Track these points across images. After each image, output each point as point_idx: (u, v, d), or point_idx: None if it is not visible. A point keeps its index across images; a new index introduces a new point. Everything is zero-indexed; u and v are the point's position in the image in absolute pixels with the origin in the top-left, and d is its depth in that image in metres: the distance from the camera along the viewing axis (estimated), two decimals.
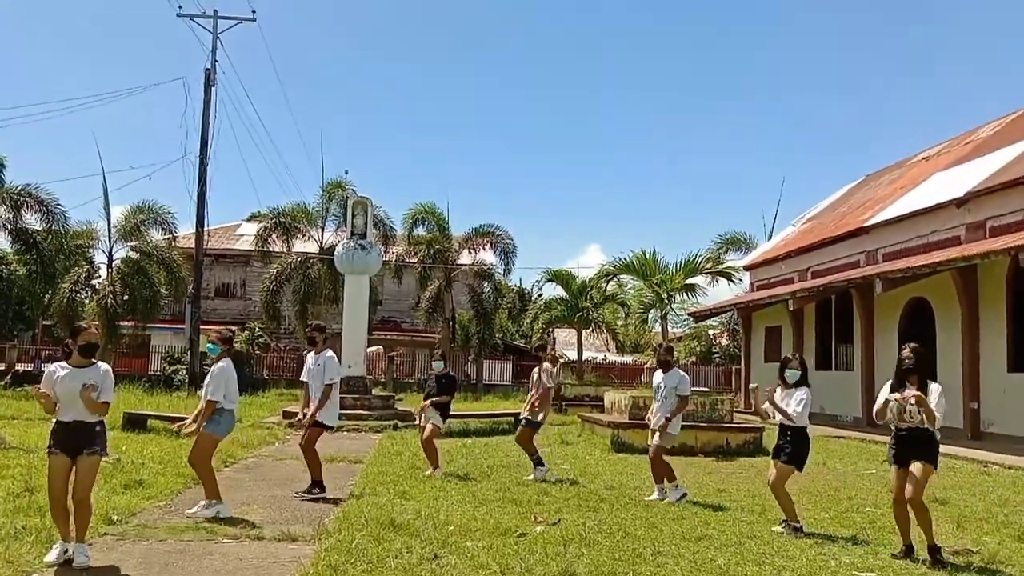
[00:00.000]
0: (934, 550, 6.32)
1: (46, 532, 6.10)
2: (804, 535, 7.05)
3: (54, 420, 5.70)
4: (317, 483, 8.61)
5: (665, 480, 8.90)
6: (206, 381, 7.49)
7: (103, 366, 5.76)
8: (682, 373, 9.22)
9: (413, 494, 8.57)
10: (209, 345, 7.59)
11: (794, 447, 7.38)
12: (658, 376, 9.16)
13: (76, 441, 5.59)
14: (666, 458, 8.97)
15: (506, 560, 5.80)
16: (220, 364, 7.46)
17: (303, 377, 9.01)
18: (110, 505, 7.23)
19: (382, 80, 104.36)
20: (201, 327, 26.80)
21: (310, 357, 8.95)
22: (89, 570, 5.46)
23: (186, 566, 5.64)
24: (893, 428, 6.60)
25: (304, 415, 8.82)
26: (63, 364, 5.73)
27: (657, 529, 7.13)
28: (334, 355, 8.97)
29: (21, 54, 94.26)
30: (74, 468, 5.59)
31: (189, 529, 6.76)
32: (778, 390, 7.55)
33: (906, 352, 6.62)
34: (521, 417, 10.86)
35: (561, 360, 27.57)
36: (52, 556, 5.53)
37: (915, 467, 6.37)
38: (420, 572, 5.44)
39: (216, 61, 27.27)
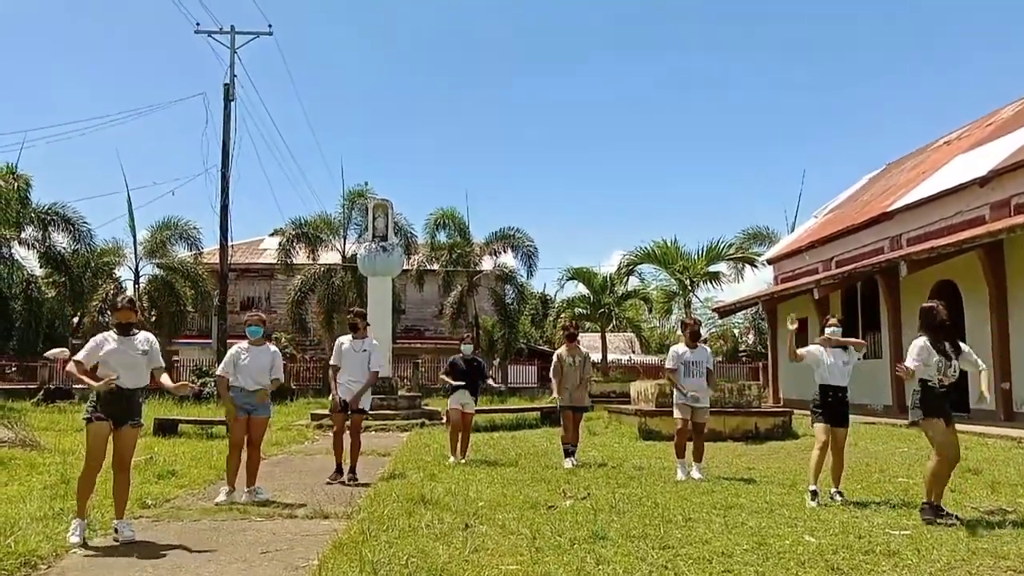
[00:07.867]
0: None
1: None
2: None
3: (99, 390, 5.68)
4: (351, 468, 8.72)
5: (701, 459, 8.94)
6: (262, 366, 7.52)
7: (141, 335, 5.95)
8: (709, 349, 9.25)
9: (442, 477, 8.62)
10: (251, 328, 7.59)
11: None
12: (687, 353, 8.97)
13: (127, 408, 5.77)
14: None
15: (537, 527, 5.82)
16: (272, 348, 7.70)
17: (333, 360, 8.94)
18: (144, 492, 7.34)
19: (400, 89, 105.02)
20: (228, 341, 27.06)
21: (347, 340, 8.93)
22: (126, 544, 5.54)
23: (220, 540, 5.72)
24: (936, 384, 6.35)
25: (338, 398, 8.79)
26: (111, 335, 5.89)
27: (687, 500, 7.12)
28: (378, 342, 9.04)
29: (39, 75, 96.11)
30: (113, 440, 5.74)
31: (222, 511, 6.86)
32: (823, 349, 7.72)
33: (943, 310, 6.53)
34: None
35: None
36: (76, 538, 5.47)
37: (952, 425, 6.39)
38: (452, 539, 5.46)
39: (235, 76, 27.68)
